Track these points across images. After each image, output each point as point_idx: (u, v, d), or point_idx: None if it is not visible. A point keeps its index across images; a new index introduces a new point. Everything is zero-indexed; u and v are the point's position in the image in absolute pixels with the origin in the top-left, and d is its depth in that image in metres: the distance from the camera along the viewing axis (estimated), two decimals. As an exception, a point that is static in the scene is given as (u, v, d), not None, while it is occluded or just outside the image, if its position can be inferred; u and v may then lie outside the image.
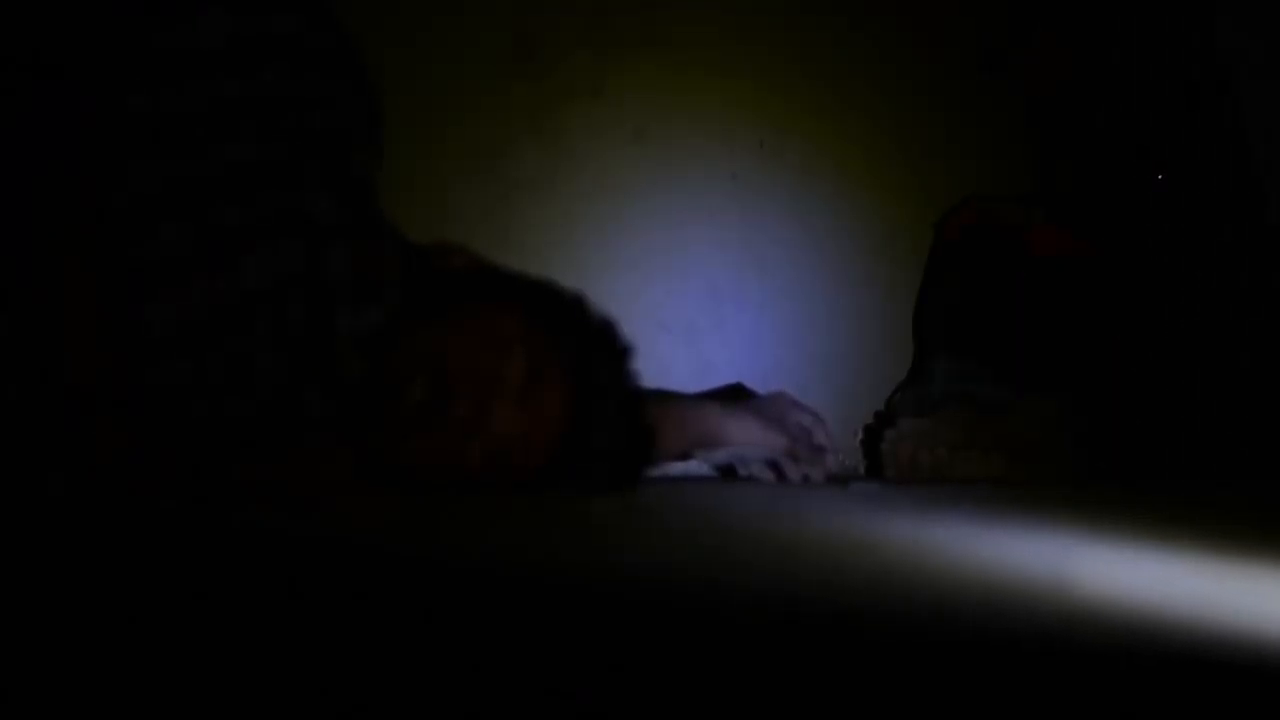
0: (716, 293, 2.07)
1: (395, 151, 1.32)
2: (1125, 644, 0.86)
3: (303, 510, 1.22)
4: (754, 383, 1.91)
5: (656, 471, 1.56)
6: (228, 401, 1.20)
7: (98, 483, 1.19)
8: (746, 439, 1.65)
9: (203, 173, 1.19)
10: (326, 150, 1.23)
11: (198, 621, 0.84)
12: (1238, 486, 1.78)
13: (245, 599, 0.90)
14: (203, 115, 1.19)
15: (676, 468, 1.66)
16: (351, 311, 1.24)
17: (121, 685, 0.73)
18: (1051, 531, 1.34)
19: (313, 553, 1.09)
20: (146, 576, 0.98)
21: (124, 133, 1.18)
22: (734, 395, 1.77)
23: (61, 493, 1.18)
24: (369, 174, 1.27)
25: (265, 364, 1.20)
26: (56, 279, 1.19)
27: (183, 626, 0.83)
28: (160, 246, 1.18)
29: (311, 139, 1.22)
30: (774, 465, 1.69)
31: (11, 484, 1.19)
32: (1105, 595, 1.00)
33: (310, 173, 1.22)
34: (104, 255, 1.18)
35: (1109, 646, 0.85)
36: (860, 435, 2.07)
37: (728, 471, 1.72)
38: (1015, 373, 1.93)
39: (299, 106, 1.22)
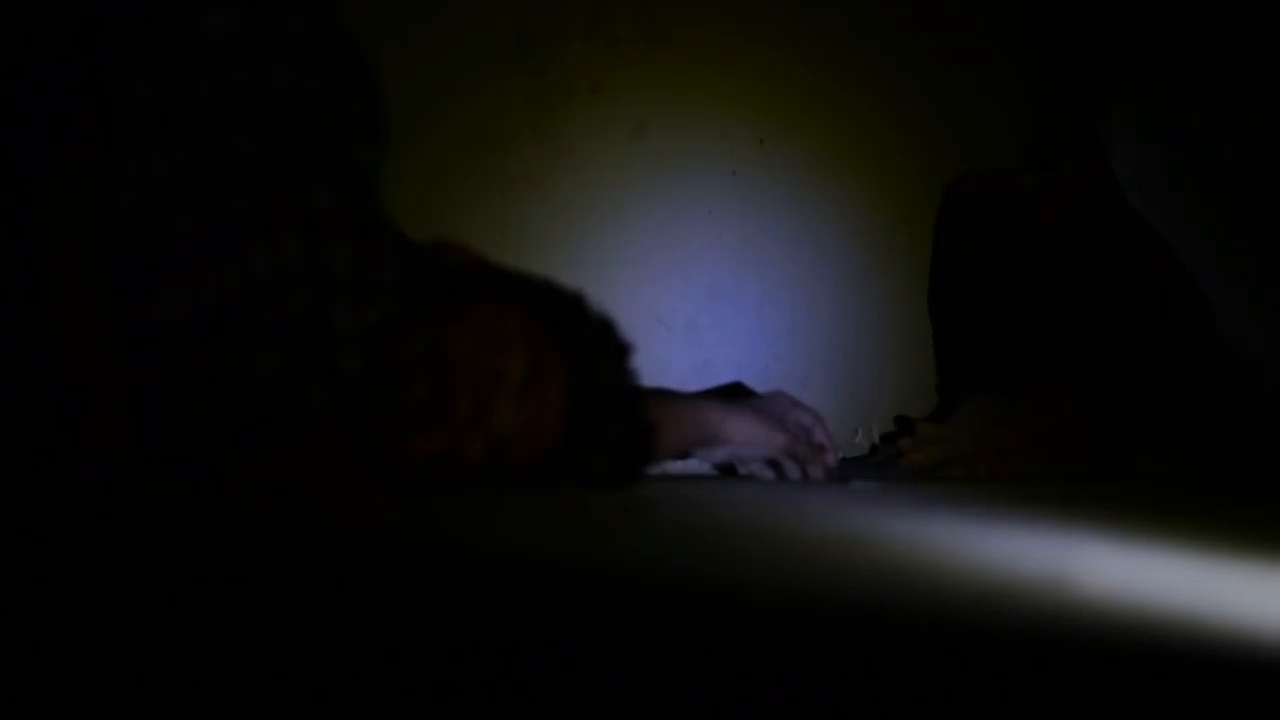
0: (716, 290, 2.07)
1: (394, 148, 1.32)
2: (1125, 642, 0.86)
3: (303, 507, 1.21)
4: (753, 380, 1.91)
5: (656, 469, 1.56)
6: (229, 397, 1.20)
7: (97, 479, 1.19)
8: (746, 437, 1.65)
9: (207, 166, 1.19)
10: (330, 146, 1.23)
11: (198, 620, 0.84)
12: (1243, 481, 1.77)
13: (246, 597, 0.90)
14: (208, 108, 1.19)
15: (676, 465, 1.66)
16: (352, 308, 1.24)
17: (121, 683, 0.73)
18: (1053, 528, 1.34)
19: (312, 549, 1.09)
20: (145, 574, 0.98)
21: (129, 123, 1.18)
22: (733, 394, 1.77)
23: (62, 489, 1.18)
24: (371, 171, 1.27)
25: (267, 360, 1.20)
26: (57, 272, 1.18)
27: (182, 625, 0.83)
28: (165, 239, 1.18)
29: (315, 135, 1.22)
30: (773, 463, 1.69)
31: (11, 481, 1.18)
32: (1105, 593, 1.00)
33: (313, 168, 1.22)
34: (107, 247, 1.18)
35: (1108, 645, 0.85)
36: (861, 435, 2.07)
37: (727, 470, 1.72)
38: (1030, 358, 1.92)
39: (304, 102, 1.22)
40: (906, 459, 1.81)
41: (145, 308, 1.18)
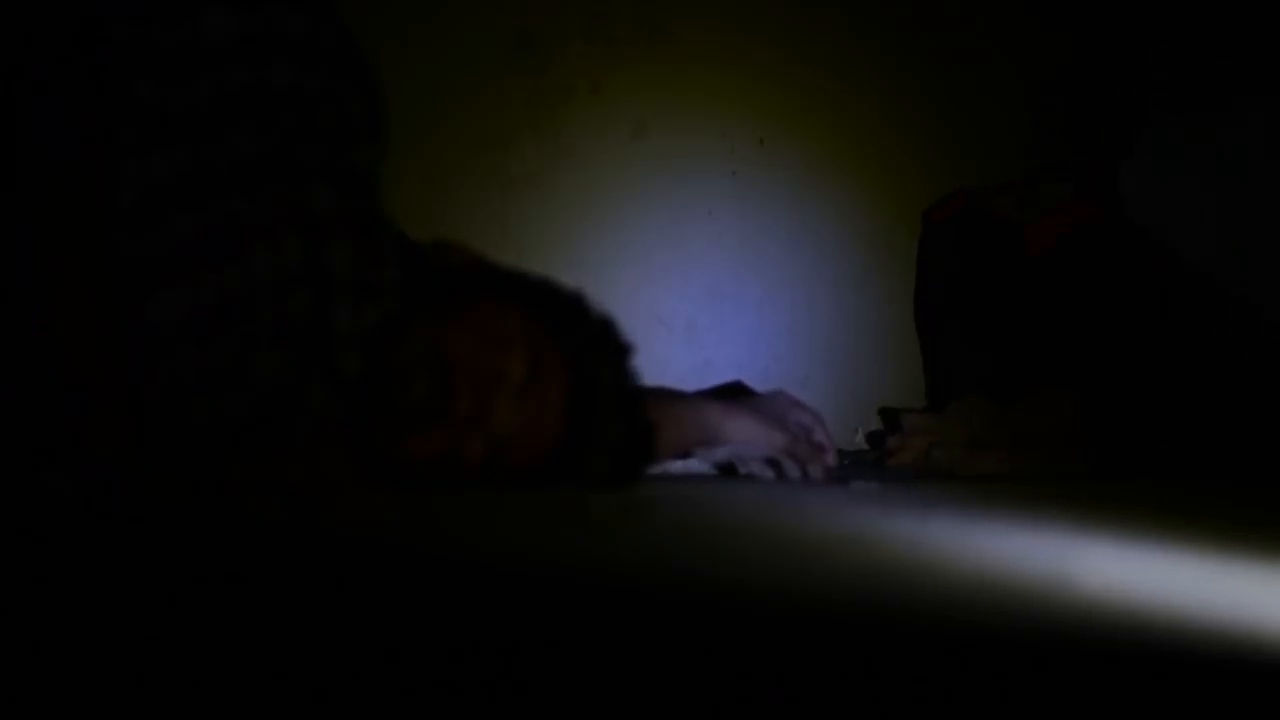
0: (716, 290, 2.07)
1: (394, 148, 1.32)
2: (1126, 642, 0.86)
3: (303, 507, 1.21)
4: (753, 380, 1.91)
5: (656, 469, 1.56)
6: (229, 397, 1.20)
7: (97, 479, 1.19)
8: (746, 437, 1.65)
9: (207, 166, 1.19)
10: (330, 146, 1.23)
11: (198, 620, 0.84)
12: (1243, 482, 1.77)
13: (246, 597, 0.90)
14: (208, 108, 1.19)
15: (676, 465, 1.66)
16: (352, 308, 1.24)
17: (121, 683, 0.73)
18: (1053, 528, 1.34)
19: (312, 549, 1.09)
20: (145, 574, 0.98)
21: (129, 123, 1.18)
22: (734, 393, 1.77)
23: (62, 489, 1.18)
24: (371, 171, 1.27)
25: (267, 360, 1.20)
26: (57, 272, 1.18)
27: (182, 625, 0.83)
28: (165, 239, 1.18)
29: (315, 135, 1.22)
30: (773, 463, 1.69)
31: (11, 481, 1.18)
32: (1107, 592, 1.00)
33: (314, 168, 1.22)
34: (107, 247, 1.18)
35: (1109, 645, 0.85)
36: (860, 433, 2.07)
37: (727, 469, 1.72)
38: (1022, 366, 1.91)
39: (304, 102, 1.22)
40: (895, 460, 1.79)
41: (145, 308, 1.18)
